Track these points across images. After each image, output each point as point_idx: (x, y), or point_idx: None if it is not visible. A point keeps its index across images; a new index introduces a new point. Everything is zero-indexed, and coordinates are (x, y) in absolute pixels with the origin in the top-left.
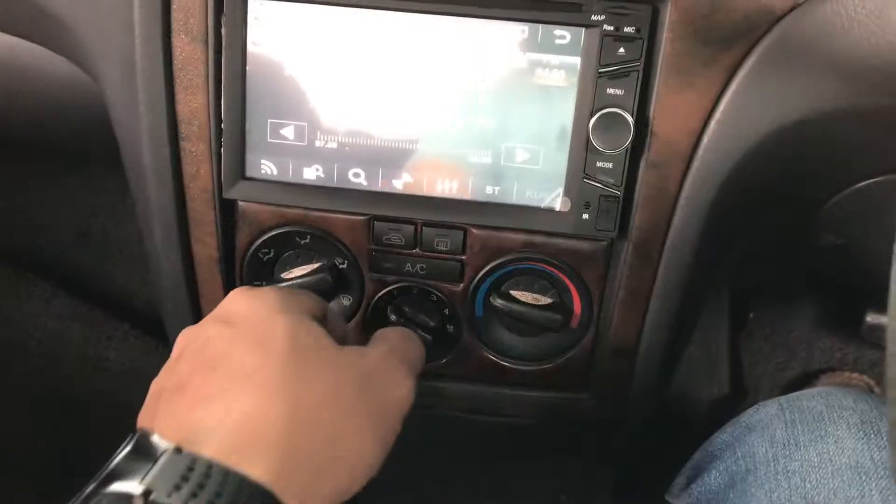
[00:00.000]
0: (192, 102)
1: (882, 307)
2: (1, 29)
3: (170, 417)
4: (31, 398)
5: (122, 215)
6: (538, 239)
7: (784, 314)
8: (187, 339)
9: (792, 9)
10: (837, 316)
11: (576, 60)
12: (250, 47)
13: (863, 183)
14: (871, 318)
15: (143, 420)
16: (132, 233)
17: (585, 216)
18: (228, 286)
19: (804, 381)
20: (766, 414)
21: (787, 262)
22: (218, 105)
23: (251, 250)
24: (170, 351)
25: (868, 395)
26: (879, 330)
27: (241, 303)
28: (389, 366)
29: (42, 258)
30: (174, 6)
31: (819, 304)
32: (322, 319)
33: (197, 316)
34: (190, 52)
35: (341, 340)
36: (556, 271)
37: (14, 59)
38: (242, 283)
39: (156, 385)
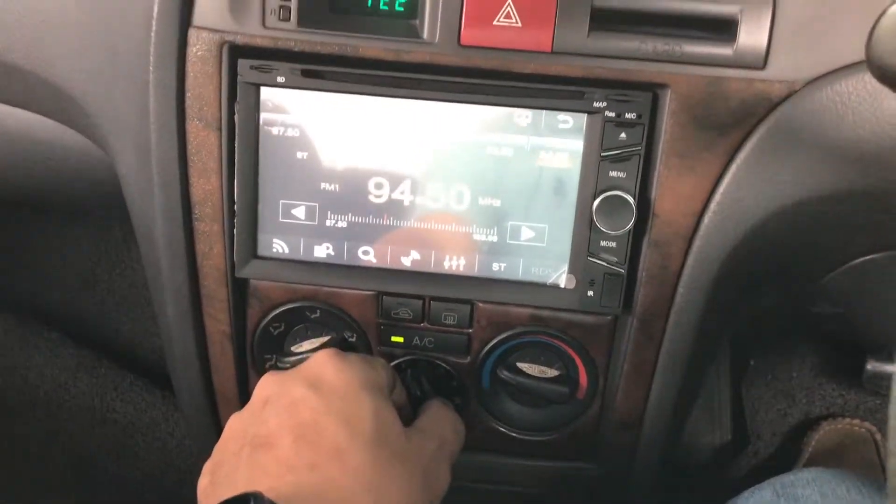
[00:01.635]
0: (206, 185)
1: (882, 356)
2: (21, 105)
3: (263, 475)
4: (38, 450)
5: (128, 264)
6: (544, 313)
7: (785, 361)
8: (271, 390)
9: (788, 95)
10: (838, 363)
11: (579, 144)
12: (262, 131)
13: (861, 259)
14: (871, 366)
15: (221, 451)
16: (137, 281)
17: (590, 293)
18: (239, 359)
19: (805, 427)
20: (761, 499)
21: (788, 316)
22: (231, 187)
23: (262, 325)
24: (174, 402)
25: (862, 481)
26: (880, 378)
27: (329, 370)
28: (441, 461)
29: (48, 307)
30: (188, 94)
31: (820, 351)
32: (391, 390)
33: (208, 386)
34: (204, 138)
35: (400, 411)
36: (562, 345)
37: (29, 131)
38: (253, 357)
39: (238, 422)
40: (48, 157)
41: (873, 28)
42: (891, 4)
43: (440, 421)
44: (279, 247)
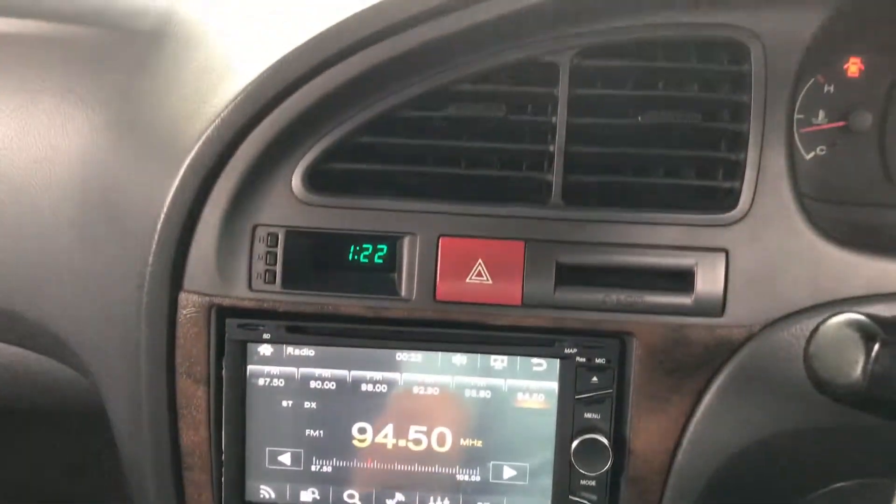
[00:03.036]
0: (195, 436)
1: None
2: (16, 344)
3: None
4: None
5: (116, 450)
6: None
7: None
8: None
9: (748, 339)
10: None
11: (554, 386)
12: (249, 383)
13: (839, 484)
14: None
15: None
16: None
17: None
18: None
19: None
20: None
21: None
22: (219, 437)
23: None
24: None
25: None
26: None
27: None
28: None
29: (36, 493)
30: (178, 352)
31: None
32: None
33: None
34: (193, 392)
35: None
36: None
37: (22, 364)
38: None
39: None
40: (42, 390)
41: (807, 345)
42: (821, 323)
43: None
44: (266, 493)
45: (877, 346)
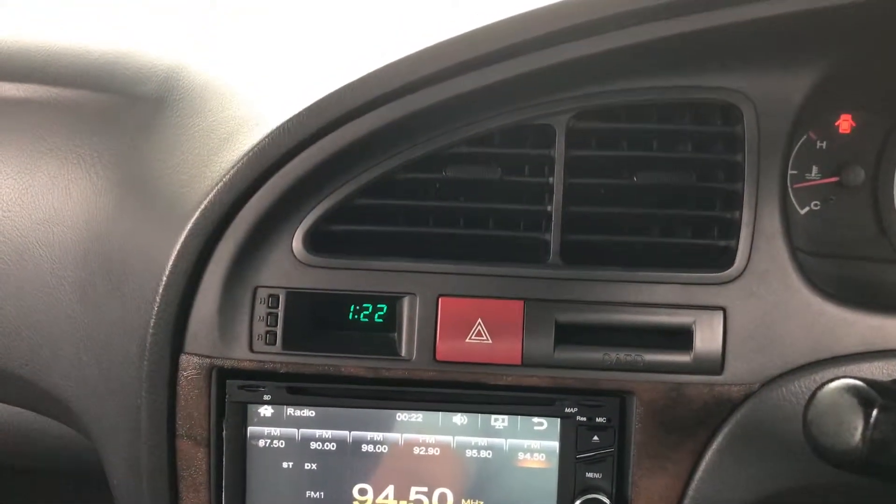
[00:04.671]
0: (195, 498)
1: None
2: (13, 404)
3: None
4: None
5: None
6: None
7: None
8: None
9: (747, 397)
10: None
11: (555, 445)
12: (249, 445)
13: None
14: None
15: None
16: None
17: None
18: None
19: None
20: None
21: None
22: (219, 499)
23: None
24: None
25: None
26: None
27: None
28: None
29: None
30: (179, 414)
31: None
32: None
33: None
34: (193, 454)
35: None
36: None
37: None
38: None
39: None
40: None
41: (805, 411)
42: (819, 388)
43: None
44: None
45: (875, 413)
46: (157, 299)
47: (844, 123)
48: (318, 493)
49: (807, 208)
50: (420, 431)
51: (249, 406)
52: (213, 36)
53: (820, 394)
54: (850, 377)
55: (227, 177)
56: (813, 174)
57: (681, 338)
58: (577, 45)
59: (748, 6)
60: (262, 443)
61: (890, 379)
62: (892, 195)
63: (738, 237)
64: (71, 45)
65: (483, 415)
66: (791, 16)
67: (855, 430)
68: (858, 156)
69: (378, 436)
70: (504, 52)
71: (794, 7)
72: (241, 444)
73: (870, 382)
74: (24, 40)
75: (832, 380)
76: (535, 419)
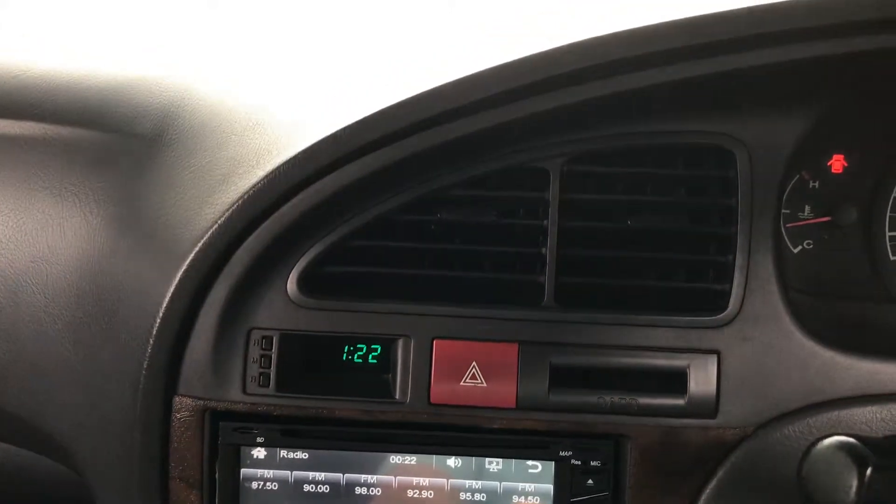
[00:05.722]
0: None
1: None
2: (6, 441)
3: None
4: None
5: None
6: None
7: None
8: None
9: (742, 440)
10: None
11: (549, 487)
12: (242, 487)
13: None
14: None
15: None
16: None
17: None
18: None
19: None
20: None
21: None
22: None
23: None
24: None
25: None
26: None
27: None
28: None
29: None
30: (171, 456)
31: None
32: None
33: None
34: (186, 496)
35: None
36: None
37: (12, 460)
38: None
39: None
40: (31, 485)
41: (800, 466)
42: (813, 444)
43: None
44: None
45: (869, 472)
46: (151, 341)
47: (837, 163)
48: None
49: (799, 247)
50: (414, 474)
51: (243, 448)
52: (215, 61)
53: (815, 451)
54: (844, 434)
55: (223, 219)
56: (805, 213)
57: (675, 381)
58: (572, 90)
59: (742, 55)
60: (255, 485)
61: (884, 423)
62: (885, 234)
63: (732, 281)
64: (67, 80)
65: (477, 457)
66: (785, 64)
67: (850, 489)
68: (851, 195)
69: (372, 478)
70: (499, 97)
71: (788, 56)
72: (235, 486)
73: (864, 440)
74: (20, 76)
75: (827, 435)
76: (530, 462)
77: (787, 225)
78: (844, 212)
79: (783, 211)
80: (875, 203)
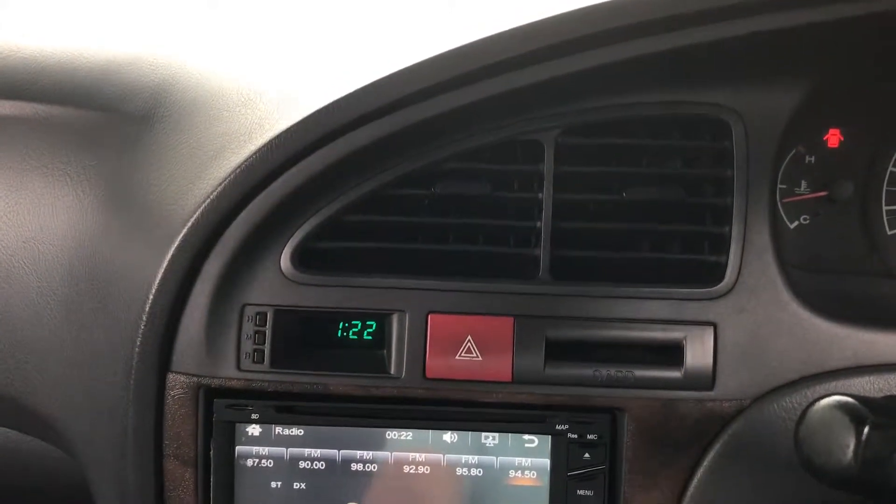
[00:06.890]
0: None
1: None
2: (3, 425)
3: None
4: None
5: None
6: None
7: None
8: None
9: (739, 412)
10: None
11: (546, 462)
12: (237, 464)
13: None
14: None
15: None
16: None
17: None
18: None
19: None
20: None
21: None
22: None
23: None
24: None
25: None
26: None
27: None
28: None
29: None
30: (166, 434)
31: None
32: None
33: None
34: (181, 475)
35: None
36: None
37: (6, 442)
38: None
39: None
40: (25, 467)
41: (797, 428)
42: (810, 405)
43: None
44: None
45: (867, 430)
46: (144, 318)
47: (833, 138)
48: None
49: (796, 223)
50: (410, 449)
51: (237, 425)
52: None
53: (811, 411)
54: (841, 394)
55: (215, 194)
56: (802, 188)
57: (671, 353)
58: (565, 61)
59: (737, 22)
60: (250, 462)
61: (881, 394)
62: (881, 209)
63: (728, 252)
64: (58, 60)
65: (473, 432)
66: (780, 31)
67: (847, 448)
68: (847, 170)
69: (367, 454)
70: (493, 68)
71: (784, 23)
72: (229, 464)
73: (861, 399)
74: (10, 56)
75: (823, 396)
76: (526, 436)
77: (784, 200)
78: (841, 186)
79: (780, 186)
80: (871, 177)
